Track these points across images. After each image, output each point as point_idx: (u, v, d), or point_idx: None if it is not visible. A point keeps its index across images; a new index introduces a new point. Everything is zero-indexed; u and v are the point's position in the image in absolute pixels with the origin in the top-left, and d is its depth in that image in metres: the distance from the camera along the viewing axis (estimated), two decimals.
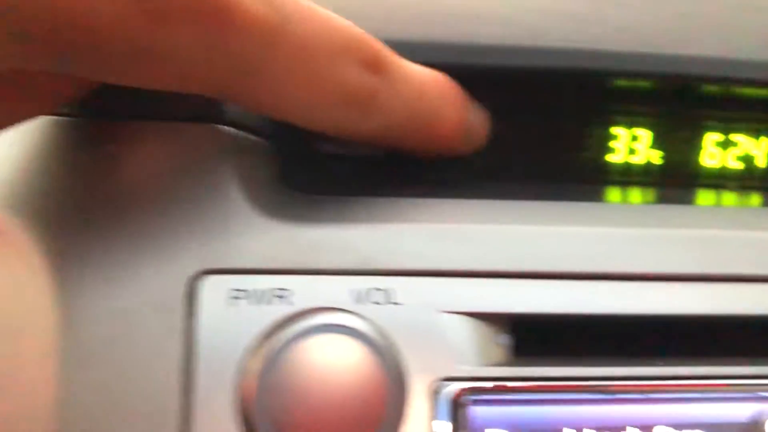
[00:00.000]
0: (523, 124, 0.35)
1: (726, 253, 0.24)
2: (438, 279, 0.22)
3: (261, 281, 0.21)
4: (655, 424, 0.22)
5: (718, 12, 0.34)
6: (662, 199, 0.34)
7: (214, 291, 0.21)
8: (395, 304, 0.21)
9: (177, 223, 0.21)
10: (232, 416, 0.20)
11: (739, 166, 0.36)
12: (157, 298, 0.20)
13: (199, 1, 0.17)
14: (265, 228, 0.22)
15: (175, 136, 0.23)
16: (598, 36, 0.31)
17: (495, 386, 0.21)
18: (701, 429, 0.22)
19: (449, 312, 0.22)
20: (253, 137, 0.25)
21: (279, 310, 0.21)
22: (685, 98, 0.35)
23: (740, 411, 0.24)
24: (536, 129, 0.35)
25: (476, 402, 0.21)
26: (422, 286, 0.22)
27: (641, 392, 0.22)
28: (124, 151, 0.23)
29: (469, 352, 0.21)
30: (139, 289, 0.20)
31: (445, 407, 0.21)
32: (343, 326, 0.20)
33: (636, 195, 0.33)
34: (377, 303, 0.21)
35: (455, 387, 0.21)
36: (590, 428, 0.22)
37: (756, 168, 0.36)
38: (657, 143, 0.35)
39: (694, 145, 0.36)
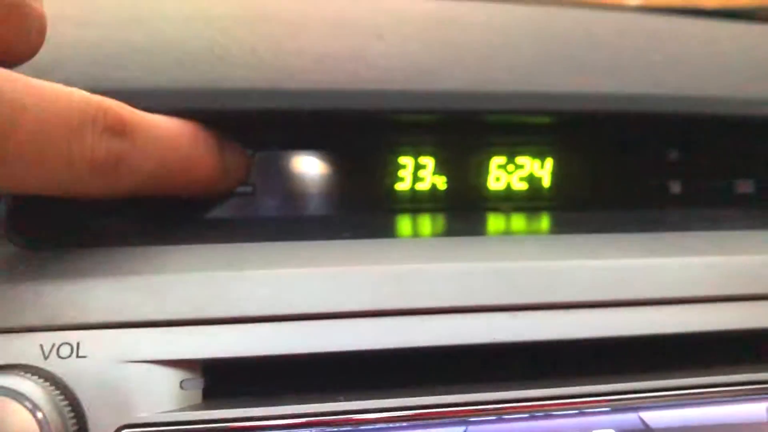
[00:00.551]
0: (313, 159, 0.37)
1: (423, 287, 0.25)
2: (123, 330, 0.23)
3: None
4: None
5: (497, 45, 0.36)
6: (445, 225, 0.36)
7: None
8: (81, 357, 0.22)
9: None
10: None
11: (524, 186, 0.38)
12: None
13: None
14: None
15: None
16: (376, 75, 0.32)
17: (174, 429, 0.22)
18: None
19: (133, 361, 0.23)
20: None
21: None
22: (470, 127, 0.37)
23: None
24: (329, 163, 0.36)
25: None
26: (107, 338, 0.23)
27: (329, 426, 0.23)
28: None
29: (153, 399, 0.22)
30: None
31: None
32: (7, 388, 0.21)
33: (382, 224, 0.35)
34: (63, 357, 0.22)
35: None
36: None
37: (542, 188, 0.38)
38: (443, 170, 0.37)
39: (481, 170, 0.37)
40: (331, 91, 0.30)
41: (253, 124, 0.34)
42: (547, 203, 0.38)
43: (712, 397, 0.26)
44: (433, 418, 0.25)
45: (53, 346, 0.22)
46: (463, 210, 0.37)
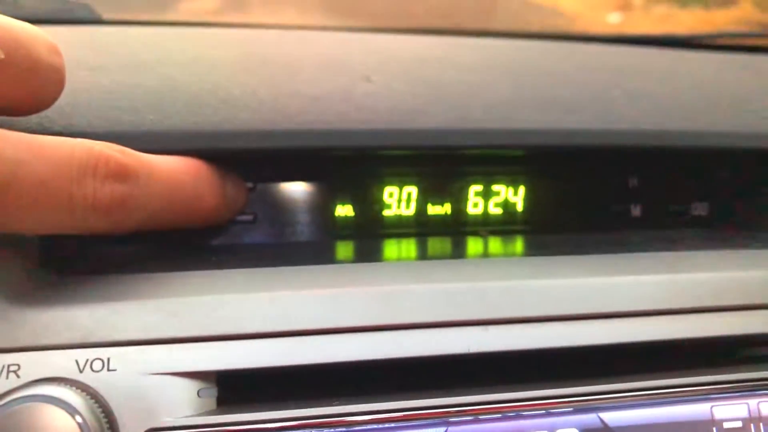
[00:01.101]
0: (308, 190, 0.40)
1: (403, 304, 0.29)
2: (147, 347, 0.26)
3: None
4: None
5: (472, 83, 0.40)
6: (429, 248, 0.39)
7: None
8: (111, 370, 0.26)
9: None
10: None
11: (500, 212, 0.42)
12: None
13: None
14: (4, 313, 0.26)
15: None
16: (364, 116, 0.36)
17: None
18: None
19: (156, 373, 0.26)
20: None
21: (8, 384, 0.25)
22: (450, 159, 0.40)
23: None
24: (322, 193, 0.40)
25: None
26: (134, 353, 0.26)
27: (327, 427, 0.27)
28: None
29: (174, 406, 0.26)
30: None
31: None
32: (49, 396, 0.24)
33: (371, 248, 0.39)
34: (96, 371, 0.26)
35: None
36: None
37: (516, 213, 0.42)
38: (426, 197, 0.41)
39: (460, 197, 0.41)
40: (324, 131, 0.34)
41: (254, 159, 0.38)
42: (521, 226, 0.42)
43: (663, 398, 0.30)
44: (417, 419, 0.28)
45: (87, 361, 0.26)
46: (445, 234, 0.41)
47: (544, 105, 0.39)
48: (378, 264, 0.33)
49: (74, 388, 0.25)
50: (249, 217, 0.37)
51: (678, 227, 0.43)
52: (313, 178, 0.39)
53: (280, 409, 0.26)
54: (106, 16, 0.60)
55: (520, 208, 0.41)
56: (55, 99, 0.28)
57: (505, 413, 0.29)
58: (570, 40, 0.59)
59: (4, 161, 0.23)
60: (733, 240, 0.40)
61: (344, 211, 0.40)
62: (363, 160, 0.39)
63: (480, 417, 0.29)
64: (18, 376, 0.25)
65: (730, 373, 0.30)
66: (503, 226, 0.41)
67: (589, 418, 0.30)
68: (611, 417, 0.30)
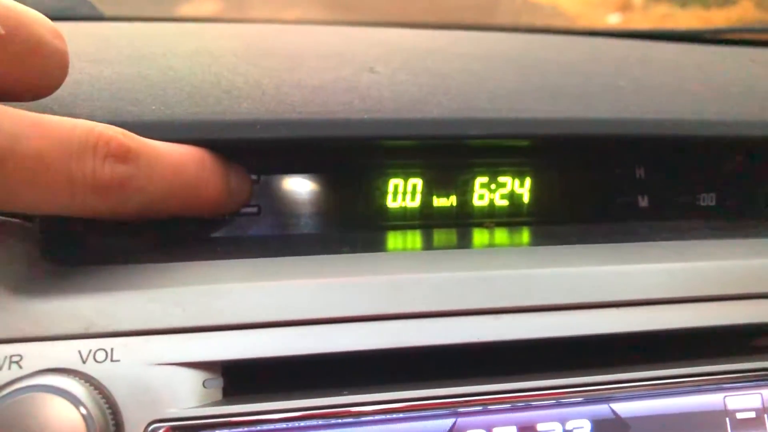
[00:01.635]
0: (312, 181, 0.40)
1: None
2: (151, 337, 0.26)
3: None
4: None
5: (478, 73, 0.40)
6: (434, 239, 0.39)
7: None
8: (115, 361, 0.26)
9: None
10: None
11: (506, 203, 0.41)
12: None
13: None
14: (5, 303, 0.26)
15: None
16: (369, 105, 0.36)
17: (200, 423, 0.25)
18: None
19: (161, 364, 0.26)
20: (14, 220, 0.29)
21: (11, 374, 0.25)
22: (455, 149, 0.40)
23: (438, 426, 0.28)
24: (327, 185, 0.39)
25: None
26: (137, 344, 0.26)
27: (335, 417, 0.27)
28: None
29: (179, 397, 0.26)
30: None
31: None
32: (53, 387, 0.24)
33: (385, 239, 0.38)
34: (99, 362, 0.25)
35: (164, 427, 0.25)
36: None
37: (522, 204, 0.41)
38: (431, 189, 0.40)
39: (466, 188, 0.41)
40: (328, 121, 0.33)
41: (258, 151, 0.37)
42: (527, 218, 0.42)
43: (675, 388, 0.30)
44: (426, 410, 0.28)
45: (90, 351, 0.25)
46: (450, 226, 0.40)
47: (550, 94, 0.38)
48: (385, 254, 0.32)
49: (78, 378, 0.24)
50: (253, 209, 0.37)
51: (685, 218, 0.42)
52: (318, 170, 0.39)
53: (287, 400, 0.25)
54: (107, 13, 0.60)
55: (526, 199, 0.41)
56: (58, 84, 0.28)
57: (515, 403, 0.28)
58: (574, 35, 0.59)
59: (2, 134, 0.22)
60: (741, 230, 0.40)
61: (349, 203, 0.39)
62: (367, 151, 0.39)
63: (489, 407, 0.28)
64: (20, 367, 0.25)
65: (743, 362, 0.30)
66: (509, 217, 0.41)
67: (601, 409, 0.29)
68: (623, 407, 0.30)
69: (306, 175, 0.39)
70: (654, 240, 0.35)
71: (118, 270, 0.28)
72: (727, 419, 0.30)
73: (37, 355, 0.25)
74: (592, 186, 0.42)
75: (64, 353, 0.25)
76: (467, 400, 0.28)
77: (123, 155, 0.26)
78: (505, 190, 0.41)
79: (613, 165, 0.42)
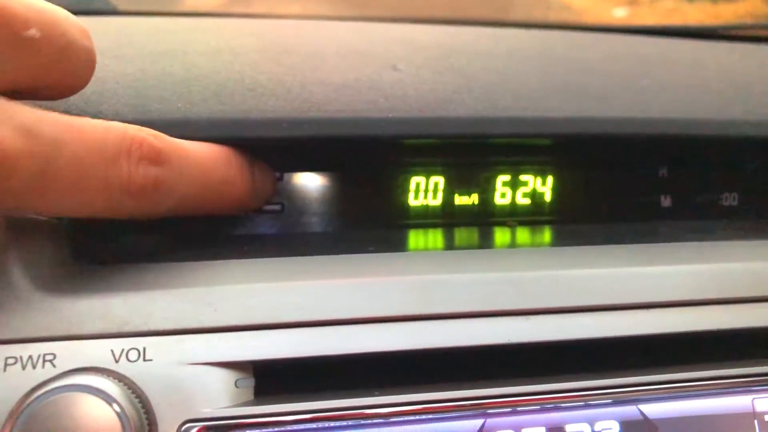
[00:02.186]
0: (336, 179, 0.40)
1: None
2: (183, 336, 0.26)
3: (31, 348, 0.25)
4: None
5: (501, 72, 0.40)
6: (458, 239, 0.39)
7: None
8: (147, 360, 0.26)
9: None
10: None
11: (527, 202, 0.41)
12: None
13: None
14: (38, 302, 0.26)
15: None
16: (393, 104, 0.35)
17: (233, 423, 0.25)
18: None
19: (193, 363, 0.26)
20: (42, 218, 0.29)
21: (45, 373, 0.25)
22: (477, 148, 0.40)
23: (467, 426, 0.28)
24: (350, 183, 0.39)
25: None
26: (170, 343, 0.26)
27: (366, 418, 0.27)
28: None
29: (212, 397, 0.26)
30: None
31: None
32: (88, 386, 0.24)
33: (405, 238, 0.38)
34: (132, 361, 0.25)
35: (197, 426, 0.25)
36: None
37: (544, 203, 0.41)
38: (453, 187, 0.40)
39: (488, 187, 0.41)
40: (355, 119, 0.33)
41: (280, 148, 0.37)
42: (548, 217, 0.41)
43: (703, 390, 0.30)
44: (455, 411, 0.28)
45: (123, 351, 0.25)
46: (471, 224, 0.40)
47: (574, 93, 0.38)
48: (413, 253, 0.32)
49: (111, 378, 0.24)
50: (276, 207, 0.37)
51: (707, 218, 0.42)
52: (340, 168, 0.39)
53: (318, 400, 0.25)
54: (120, 7, 0.60)
55: (548, 198, 0.41)
56: (85, 83, 0.28)
57: (544, 405, 0.28)
58: (591, 31, 0.58)
59: (43, 141, 0.22)
60: (764, 230, 0.39)
61: (370, 201, 0.39)
62: (390, 149, 0.39)
63: (518, 408, 0.28)
64: (54, 366, 0.25)
65: None
66: (531, 216, 0.40)
67: (629, 410, 0.29)
68: (651, 409, 0.30)
69: (328, 172, 0.39)
70: (679, 240, 0.35)
71: (148, 269, 0.28)
72: (756, 421, 0.30)
73: (70, 354, 0.25)
74: (615, 185, 0.42)
75: (97, 352, 0.25)
76: (496, 401, 0.28)
77: (155, 157, 0.26)
78: (527, 189, 0.41)
79: (636, 164, 0.42)
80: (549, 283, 0.29)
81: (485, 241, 0.38)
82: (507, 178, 0.41)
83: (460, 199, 0.40)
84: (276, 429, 0.25)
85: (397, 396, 0.26)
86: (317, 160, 0.39)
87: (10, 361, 0.25)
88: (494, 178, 0.41)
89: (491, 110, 0.36)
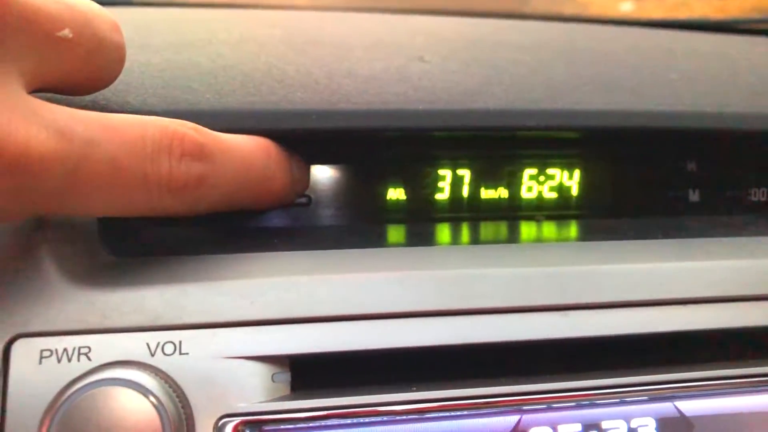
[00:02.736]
0: (363, 171, 0.40)
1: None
2: (219, 329, 0.26)
3: (66, 341, 0.25)
4: None
5: (529, 64, 0.39)
6: (487, 233, 0.38)
7: (25, 352, 0.25)
8: (184, 354, 0.25)
9: None
10: None
11: (554, 196, 0.41)
12: None
13: None
14: (72, 295, 0.26)
15: None
16: (422, 96, 0.35)
17: (270, 418, 0.25)
18: None
19: (229, 357, 0.25)
20: None
21: (81, 367, 0.25)
22: (504, 140, 0.39)
23: (502, 423, 0.28)
24: (377, 175, 0.39)
25: None
26: (206, 336, 0.25)
27: (402, 414, 0.26)
28: None
29: (248, 391, 0.25)
30: None
31: None
32: (125, 380, 0.23)
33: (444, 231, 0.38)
34: (168, 354, 0.25)
35: (234, 421, 0.25)
36: None
37: (571, 197, 0.41)
38: (479, 181, 0.40)
39: (514, 180, 0.40)
40: (386, 112, 0.33)
41: (308, 140, 0.37)
42: (576, 211, 0.41)
43: (741, 387, 0.29)
44: (490, 407, 0.28)
45: (158, 344, 0.25)
46: (498, 218, 0.40)
47: (603, 86, 0.38)
48: (447, 247, 0.32)
49: (147, 371, 0.24)
50: (303, 200, 0.36)
51: (736, 213, 0.42)
52: (365, 161, 0.38)
53: (354, 395, 0.25)
54: None
55: (575, 192, 0.40)
56: (116, 76, 0.27)
57: (580, 402, 0.28)
58: (612, 24, 0.58)
59: (75, 140, 0.22)
60: None
61: (396, 194, 0.39)
62: (415, 142, 0.38)
63: (554, 405, 0.28)
64: (89, 359, 0.24)
65: None
66: (558, 210, 0.40)
67: (665, 407, 0.29)
68: (688, 406, 0.29)
69: (354, 165, 0.39)
70: (712, 236, 0.35)
71: (181, 261, 0.27)
72: None
73: (106, 347, 0.25)
74: (642, 179, 0.41)
75: (133, 345, 0.25)
76: (532, 398, 0.27)
77: (198, 153, 0.25)
78: (554, 183, 0.41)
79: (664, 158, 0.41)
80: (587, 279, 0.28)
81: (514, 236, 0.37)
82: (534, 171, 0.40)
83: (486, 193, 0.40)
84: (315, 423, 0.25)
85: (433, 392, 0.26)
86: (343, 151, 0.38)
87: (46, 353, 0.24)
88: (521, 171, 0.40)
89: (522, 102, 0.35)
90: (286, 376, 0.26)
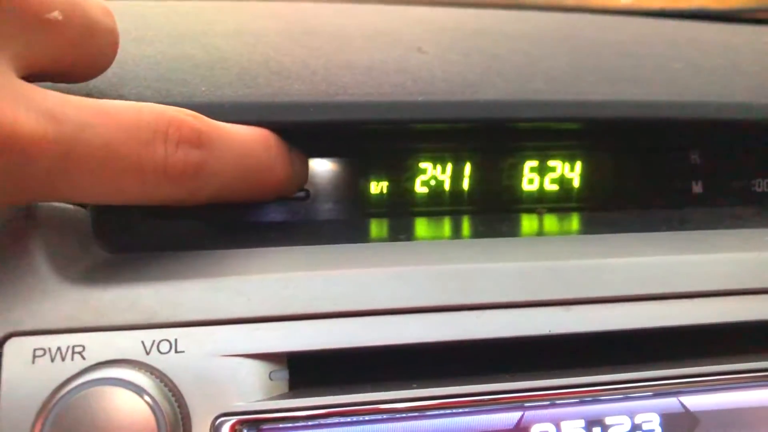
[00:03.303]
0: (360, 164, 0.39)
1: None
2: (215, 327, 0.25)
3: (59, 340, 0.24)
4: None
5: (530, 54, 0.38)
6: (487, 226, 0.38)
7: (17, 352, 0.24)
8: (179, 352, 0.25)
9: None
10: None
11: (555, 188, 0.40)
12: None
13: None
14: (65, 292, 0.25)
15: None
16: (421, 87, 0.34)
17: (268, 417, 0.25)
18: None
19: (226, 355, 0.25)
20: (66, 206, 0.28)
21: (74, 366, 0.24)
22: (504, 132, 0.39)
23: (505, 420, 0.28)
24: (375, 168, 0.38)
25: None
26: (202, 334, 0.25)
27: (402, 412, 0.26)
28: None
29: (246, 389, 0.25)
30: None
31: None
32: (120, 379, 0.23)
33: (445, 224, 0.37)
34: (163, 353, 0.25)
35: (232, 420, 0.24)
36: None
37: (572, 189, 0.40)
38: (479, 173, 0.39)
39: (515, 172, 0.39)
40: (385, 103, 0.32)
41: (305, 133, 0.36)
42: (577, 203, 0.40)
43: (746, 382, 0.29)
44: (493, 404, 0.27)
45: (153, 342, 0.25)
46: (499, 211, 0.39)
47: (605, 77, 0.37)
48: (446, 242, 0.31)
49: (142, 370, 0.24)
50: (301, 194, 0.36)
51: (740, 204, 0.41)
52: (362, 153, 0.38)
53: (353, 393, 0.25)
54: None
55: (576, 184, 0.40)
56: (109, 63, 0.27)
57: (583, 398, 0.28)
58: (613, 14, 0.57)
59: (67, 123, 0.21)
60: None
61: (395, 187, 0.38)
62: (415, 134, 0.37)
63: (557, 401, 0.28)
64: (83, 358, 0.24)
65: None
66: (559, 203, 0.39)
67: (669, 402, 0.29)
68: (692, 401, 0.29)
69: (352, 158, 0.38)
70: (716, 228, 0.34)
71: (176, 257, 0.27)
72: None
73: (100, 346, 0.24)
74: (645, 171, 0.41)
75: (127, 344, 0.24)
76: (534, 394, 0.27)
77: (197, 140, 0.25)
78: (555, 175, 0.40)
79: (667, 149, 0.41)
80: (590, 273, 0.28)
81: (515, 229, 0.37)
82: (535, 163, 0.40)
83: (487, 186, 0.39)
84: (313, 422, 0.24)
85: (434, 389, 0.25)
86: (341, 144, 0.38)
87: (39, 353, 0.24)
88: (522, 163, 0.40)
89: (523, 93, 0.35)
90: (283, 374, 0.25)
